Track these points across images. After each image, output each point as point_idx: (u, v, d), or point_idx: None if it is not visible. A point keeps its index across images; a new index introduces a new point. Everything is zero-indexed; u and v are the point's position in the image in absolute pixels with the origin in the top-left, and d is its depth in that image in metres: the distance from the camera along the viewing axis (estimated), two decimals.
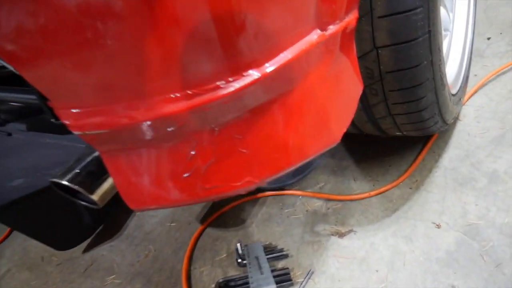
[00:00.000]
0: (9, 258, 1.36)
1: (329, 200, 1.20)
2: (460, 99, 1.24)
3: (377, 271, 0.98)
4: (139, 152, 0.78)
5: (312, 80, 0.79)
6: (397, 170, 1.22)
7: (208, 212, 1.29)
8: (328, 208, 1.18)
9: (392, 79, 0.91)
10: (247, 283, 1.01)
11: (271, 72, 0.69)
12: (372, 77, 0.93)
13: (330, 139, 0.85)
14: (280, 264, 1.07)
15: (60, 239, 1.23)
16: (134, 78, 0.64)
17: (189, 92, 0.66)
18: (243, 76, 0.69)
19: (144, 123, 0.70)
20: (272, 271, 1.03)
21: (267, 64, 0.70)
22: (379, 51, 0.88)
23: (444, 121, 1.07)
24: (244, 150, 0.75)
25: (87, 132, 0.75)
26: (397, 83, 0.91)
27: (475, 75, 1.44)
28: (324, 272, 1.02)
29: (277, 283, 0.99)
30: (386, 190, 1.16)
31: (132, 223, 1.34)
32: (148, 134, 0.73)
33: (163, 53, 0.61)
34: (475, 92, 1.39)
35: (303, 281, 1.01)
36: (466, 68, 1.33)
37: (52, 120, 0.88)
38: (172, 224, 1.29)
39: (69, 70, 0.63)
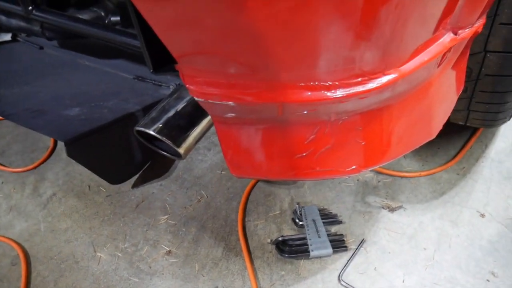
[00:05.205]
0: (52, 181, 1.37)
1: (379, 173, 1.27)
2: None
3: (424, 249, 1.08)
4: (256, 127, 0.79)
5: (432, 80, 0.81)
6: (445, 154, 1.29)
7: None
8: (379, 181, 1.25)
9: (489, 82, 0.94)
10: (305, 244, 1.09)
11: (407, 72, 0.71)
12: (469, 76, 0.95)
13: (428, 135, 0.89)
14: (333, 229, 1.15)
15: (114, 173, 1.25)
16: (283, 63, 0.64)
17: (336, 83, 0.68)
18: (384, 75, 0.70)
19: (278, 103, 0.71)
20: (328, 235, 1.11)
21: (406, 65, 0.71)
22: (487, 55, 0.89)
23: (510, 118, 1.14)
24: (361, 141, 0.78)
25: (209, 101, 0.75)
26: (492, 86, 0.95)
27: None
28: (375, 242, 1.11)
29: (332, 247, 1.08)
30: (435, 172, 1.24)
31: (181, 165, 1.37)
32: (274, 114, 0.74)
33: (316, 46, 0.61)
34: None
35: (356, 248, 1.10)
36: None
37: (151, 71, 0.87)
38: (222, 172, 1.33)
39: (210, 46, 0.62)
